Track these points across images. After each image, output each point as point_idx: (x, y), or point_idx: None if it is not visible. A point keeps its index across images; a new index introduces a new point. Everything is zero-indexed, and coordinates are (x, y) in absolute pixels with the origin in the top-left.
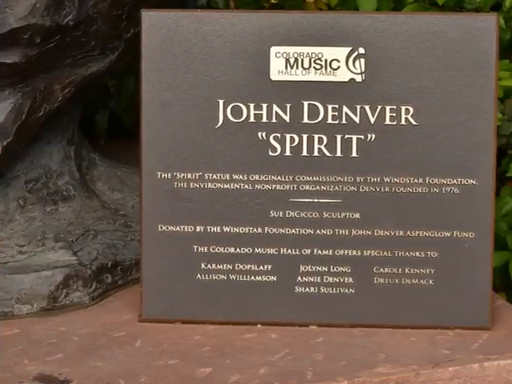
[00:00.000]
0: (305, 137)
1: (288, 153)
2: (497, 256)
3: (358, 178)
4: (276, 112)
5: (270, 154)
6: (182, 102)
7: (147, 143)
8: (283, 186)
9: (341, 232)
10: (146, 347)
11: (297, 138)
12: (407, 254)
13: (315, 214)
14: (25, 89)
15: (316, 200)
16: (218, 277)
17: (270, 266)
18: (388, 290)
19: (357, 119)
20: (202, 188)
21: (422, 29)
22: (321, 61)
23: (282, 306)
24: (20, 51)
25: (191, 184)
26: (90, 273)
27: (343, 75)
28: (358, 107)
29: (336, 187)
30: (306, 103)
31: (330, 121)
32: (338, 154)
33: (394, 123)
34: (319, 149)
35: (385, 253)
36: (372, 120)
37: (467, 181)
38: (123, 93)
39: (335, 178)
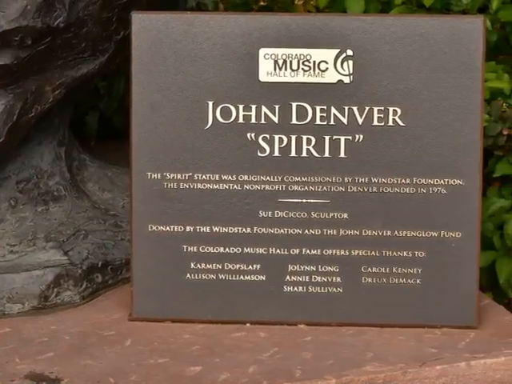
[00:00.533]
0: (293, 138)
1: (277, 153)
2: (483, 256)
3: (346, 179)
4: (265, 113)
5: (259, 154)
6: (171, 104)
7: (137, 144)
8: (272, 187)
9: (329, 232)
10: (136, 346)
11: (285, 139)
12: (395, 253)
13: (304, 214)
14: (16, 90)
15: (304, 200)
16: (208, 276)
17: (258, 266)
18: (376, 289)
19: (345, 120)
20: (191, 188)
21: (409, 31)
22: (309, 62)
23: (271, 305)
24: (11, 53)
25: (181, 184)
26: (81, 272)
27: (331, 77)
28: (346, 108)
29: (324, 187)
30: (294, 104)
31: (318, 122)
32: (326, 154)
33: (382, 124)
34: (307, 149)
35: (372, 252)
36: (360, 121)
37: (454, 181)
38: (113, 94)
39: (323, 179)
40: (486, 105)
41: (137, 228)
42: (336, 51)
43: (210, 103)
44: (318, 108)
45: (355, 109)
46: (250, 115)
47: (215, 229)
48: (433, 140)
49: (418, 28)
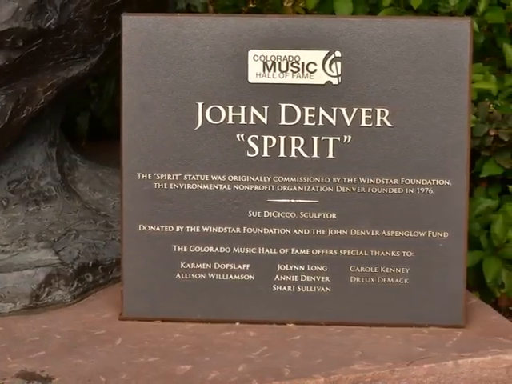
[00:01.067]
0: (282, 138)
1: (266, 154)
2: (470, 255)
3: (334, 179)
4: (254, 114)
5: (248, 155)
6: (161, 105)
7: (128, 145)
8: (261, 187)
9: (317, 232)
10: (126, 345)
11: (274, 140)
12: (383, 253)
13: (292, 214)
14: (8, 91)
15: (293, 200)
16: (197, 276)
17: (248, 265)
18: (364, 288)
19: (333, 121)
20: (181, 188)
21: (397, 33)
22: (298, 64)
23: (260, 305)
24: (3, 54)
25: (171, 185)
26: (72, 272)
27: (320, 78)
28: (335, 109)
29: (313, 188)
30: (283, 105)
31: (306, 123)
32: (315, 155)
33: (370, 125)
34: (296, 150)
35: (361, 252)
36: (348, 122)
37: (441, 181)
38: (104, 95)
39: (312, 179)
40: (473, 106)
41: (127, 228)
42: (324, 53)
43: (200, 104)
44: (306, 109)
45: (343, 110)
46: (240, 116)
47: (205, 229)
48: (420, 141)
49: (406, 30)
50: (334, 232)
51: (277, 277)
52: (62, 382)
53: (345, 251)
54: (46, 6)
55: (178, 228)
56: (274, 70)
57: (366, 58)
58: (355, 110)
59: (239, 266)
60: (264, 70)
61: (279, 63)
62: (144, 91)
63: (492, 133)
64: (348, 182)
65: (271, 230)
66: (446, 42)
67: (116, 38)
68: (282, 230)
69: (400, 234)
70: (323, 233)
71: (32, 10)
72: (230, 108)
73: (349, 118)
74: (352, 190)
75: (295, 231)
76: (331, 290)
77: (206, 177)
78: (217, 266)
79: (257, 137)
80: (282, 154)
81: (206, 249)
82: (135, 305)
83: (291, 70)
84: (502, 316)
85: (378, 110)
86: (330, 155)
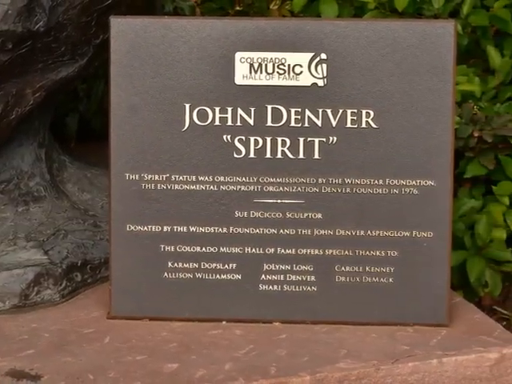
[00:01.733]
0: (268, 139)
1: (252, 155)
2: (454, 255)
3: (320, 180)
4: (241, 115)
5: (235, 156)
6: (149, 106)
7: (116, 146)
8: (247, 187)
9: (303, 232)
10: (114, 343)
11: (261, 141)
12: (368, 253)
13: (278, 215)
14: None
15: (279, 201)
16: (185, 275)
17: (234, 265)
18: (349, 288)
19: (319, 122)
20: (168, 189)
21: (382, 35)
22: (284, 66)
23: (247, 304)
24: None
25: (158, 185)
26: (61, 271)
27: (306, 80)
28: (320, 111)
29: (299, 188)
30: (269, 107)
31: (292, 124)
32: (301, 156)
33: (355, 126)
34: (282, 151)
35: (346, 252)
36: (334, 123)
37: (426, 182)
38: (93, 97)
39: (298, 180)
40: (457, 107)
41: (115, 228)
42: (310, 55)
43: (187, 106)
44: (292, 110)
45: (329, 111)
46: (226, 117)
47: (192, 229)
48: (405, 142)
49: (391, 32)
50: (319, 232)
51: (263, 276)
52: (50, 380)
53: (330, 251)
54: (35, 8)
55: (165, 228)
56: (261, 72)
57: (351, 60)
58: (341, 111)
59: (226, 266)
60: (250, 72)
61: (265, 65)
62: (132, 93)
63: (476, 134)
64: (333, 182)
65: (257, 230)
66: (431, 44)
67: (104, 40)
68: (269, 230)
69: (385, 234)
70: (309, 233)
71: (21, 13)
72: (217, 109)
73: (334, 119)
74: (337, 190)
75: (281, 231)
76: (317, 289)
77: (194, 177)
78: (204, 265)
79: (243, 138)
80: (268, 155)
81: (193, 248)
82: (123, 304)
83: (277, 72)
84: (485, 315)
85: (363, 112)
86: (316, 156)
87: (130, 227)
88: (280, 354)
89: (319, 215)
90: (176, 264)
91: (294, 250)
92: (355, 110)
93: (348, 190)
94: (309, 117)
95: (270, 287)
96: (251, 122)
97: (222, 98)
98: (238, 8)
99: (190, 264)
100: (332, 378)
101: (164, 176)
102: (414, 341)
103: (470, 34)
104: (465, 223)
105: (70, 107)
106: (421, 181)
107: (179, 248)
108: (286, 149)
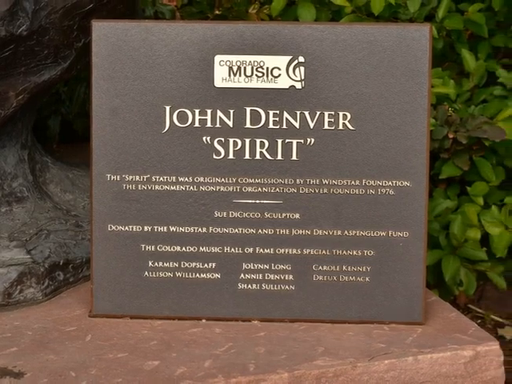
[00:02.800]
0: (247, 141)
1: (231, 156)
2: (430, 255)
3: (297, 180)
4: (220, 117)
5: (214, 157)
6: (130, 108)
7: (97, 147)
8: (227, 188)
9: (282, 232)
10: (96, 341)
11: (240, 142)
12: (345, 252)
13: (257, 215)
14: None
15: (258, 201)
16: (165, 274)
17: (214, 264)
18: (327, 286)
19: (297, 124)
20: (149, 189)
21: (358, 38)
22: (262, 69)
23: (226, 302)
24: None
25: (139, 186)
26: (43, 270)
27: (284, 82)
28: (298, 113)
29: (277, 189)
30: (248, 109)
31: (271, 126)
32: (279, 157)
33: (333, 128)
34: (261, 152)
35: (323, 251)
36: (311, 125)
37: (402, 183)
38: (74, 99)
39: (276, 180)
40: (432, 109)
41: (97, 228)
42: (288, 58)
43: (167, 108)
44: (271, 112)
45: (307, 113)
46: (206, 119)
47: (172, 228)
48: (381, 143)
49: (367, 35)
50: (297, 232)
51: (242, 275)
52: (33, 377)
53: (308, 250)
54: (17, 12)
55: (146, 228)
56: (240, 75)
57: (328, 63)
58: (318, 113)
59: (205, 265)
60: (230, 75)
61: (244, 68)
62: (113, 95)
63: (451, 135)
64: (311, 183)
65: (236, 230)
66: (406, 48)
67: (86, 43)
68: (247, 230)
69: (361, 234)
70: (287, 232)
71: (4, 17)
72: (197, 111)
73: (312, 121)
74: (315, 190)
75: (260, 231)
76: (295, 288)
77: (174, 178)
78: (184, 264)
79: (223, 139)
80: (247, 156)
81: (174, 248)
82: (104, 302)
83: (256, 75)
84: (460, 313)
85: (341, 114)
86: (294, 157)
87: (111, 227)
88: (259, 351)
89: (297, 215)
90: (156, 263)
91: (272, 249)
92: (332, 112)
93: (325, 190)
94: (287, 119)
95: (249, 286)
96: (230, 123)
97: (202, 100)
98: (217, 12)
99: (170, 263)
100: (309, 376)
101: (145, 177)
102: (390, 339)
103: (445, 37)
104: (440, 223)
105: (52, 109)
106: (397, 181)
107: (159, 247)
108: (264, 150)
